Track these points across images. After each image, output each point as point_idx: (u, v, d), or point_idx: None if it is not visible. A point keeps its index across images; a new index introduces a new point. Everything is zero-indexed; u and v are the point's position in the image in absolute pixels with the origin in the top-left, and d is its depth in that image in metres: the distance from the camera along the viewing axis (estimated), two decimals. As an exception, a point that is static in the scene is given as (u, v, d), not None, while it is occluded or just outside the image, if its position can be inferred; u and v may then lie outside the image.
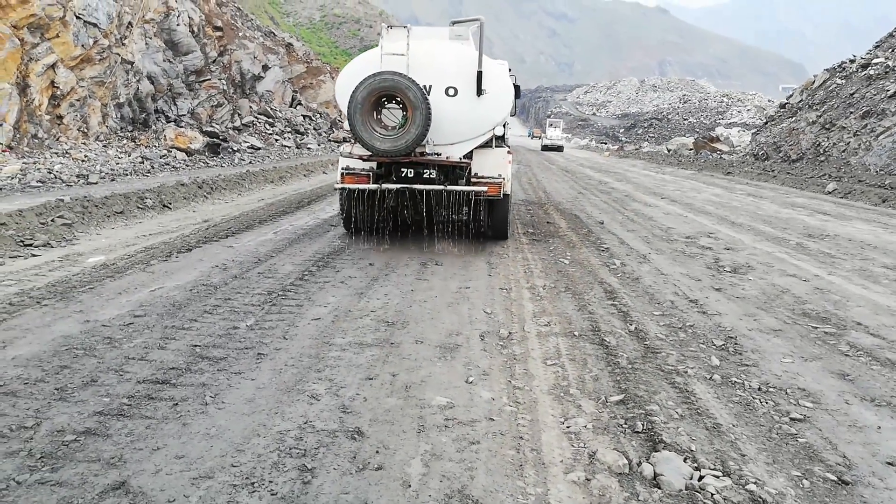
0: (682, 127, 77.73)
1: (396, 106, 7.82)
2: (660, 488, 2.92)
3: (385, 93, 7.54)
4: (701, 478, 2.99)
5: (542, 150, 51.55)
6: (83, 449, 3.03)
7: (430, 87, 7.90)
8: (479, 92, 7.88)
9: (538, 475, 2.98)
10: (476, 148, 8.20)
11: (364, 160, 7.95)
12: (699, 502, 2.80)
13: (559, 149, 52.35)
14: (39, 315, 5.08)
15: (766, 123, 32.83)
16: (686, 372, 4.34)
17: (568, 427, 3.49)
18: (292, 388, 3.82)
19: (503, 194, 8.21)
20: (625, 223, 11.52)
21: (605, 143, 68.21)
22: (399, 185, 7.84)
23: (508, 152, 8.63)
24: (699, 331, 5.28)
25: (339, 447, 3.14)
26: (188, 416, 3.39)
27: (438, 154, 7.93)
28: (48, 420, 3.31)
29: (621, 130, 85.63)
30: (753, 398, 3.95)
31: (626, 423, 3.55)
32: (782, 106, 31.59)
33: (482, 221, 8.57)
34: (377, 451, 3.12)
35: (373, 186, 7.89)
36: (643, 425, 3.51)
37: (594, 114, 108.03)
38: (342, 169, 8.14)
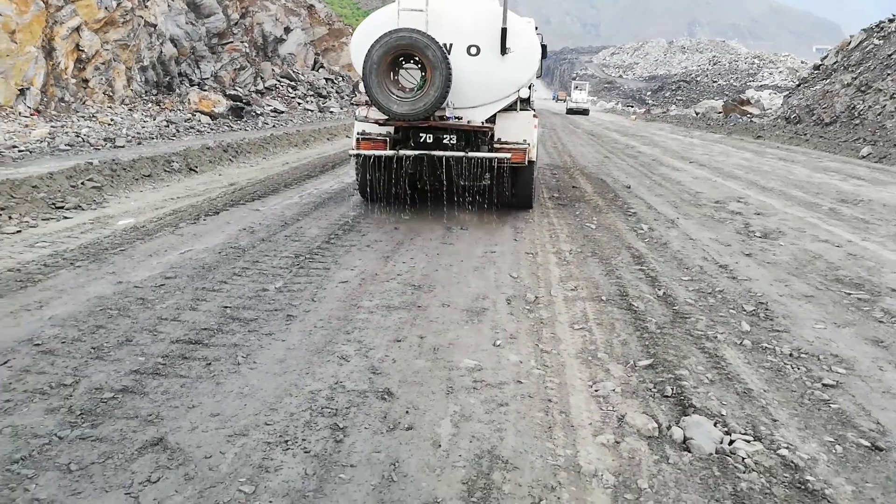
0: (711, 89, 75.98)
1: (415, 66, 7.34)
2: (690, 452, 2.91)
3: (402, 52, 7.04)
4: (731, 442, 2.98)
5: (567, 113, 50.58)
6: (121, 406, 3.11)
7: (451, 45, 7.40)
8: (504, 51, 7.35)
9: (567, 437, 2.99)
10: (499, 111, 7.72)
11: (380, 125, 7.48)
12: (730, 466, 2.79)
13: (585, 112, 51.14)
14: (73, 276, 5.18)
15: (798, 86, 31.93)
16: (716, 337, 4.30)
17: (596, 390, 3.49)
18: (322, 349, 3.87)
19: (528, 161, 7.74)
20: (652, 187, 11.35)
21: (632, 107, 67.00)
22: (417, 152, 7.38)
23: (534, 116, 8.09)
24: (729, 296, 5.22)
25: (369, 407, 3.18)
26: (221, 376, 3.46)
27: (459, 118, 7.44)
28: (86, 378, 3.39)
29: (648, 93, 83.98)
30: (785, 364, 3.91)
31: (655, 388, 3.54)
32: (816, 68, 30.66)
33: (505, 189, 8.14)
34: (407, 412, 3.15)
35: (389, 153, 7.41)
36: (672, 390, 3.50)
37: (620, 76, 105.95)
38: (357, 134, 7.71)
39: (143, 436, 2.85)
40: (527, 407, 3.27)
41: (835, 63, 27.58)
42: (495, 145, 7.65)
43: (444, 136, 7.51)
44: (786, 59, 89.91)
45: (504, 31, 7.31)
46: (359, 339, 4.06)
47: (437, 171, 7.78)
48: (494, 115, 7.71)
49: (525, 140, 7.71)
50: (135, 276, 5.21)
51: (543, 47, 8.44)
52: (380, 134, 7.65)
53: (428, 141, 7.52)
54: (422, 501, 2.47)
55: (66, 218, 7.31)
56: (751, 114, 35.71)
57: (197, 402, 3.16)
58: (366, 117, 7.63)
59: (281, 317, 4.39)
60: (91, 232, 6.69)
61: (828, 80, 26.55)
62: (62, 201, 7.88)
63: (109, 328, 4.09)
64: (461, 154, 7.37)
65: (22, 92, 18.00)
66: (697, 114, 42.54)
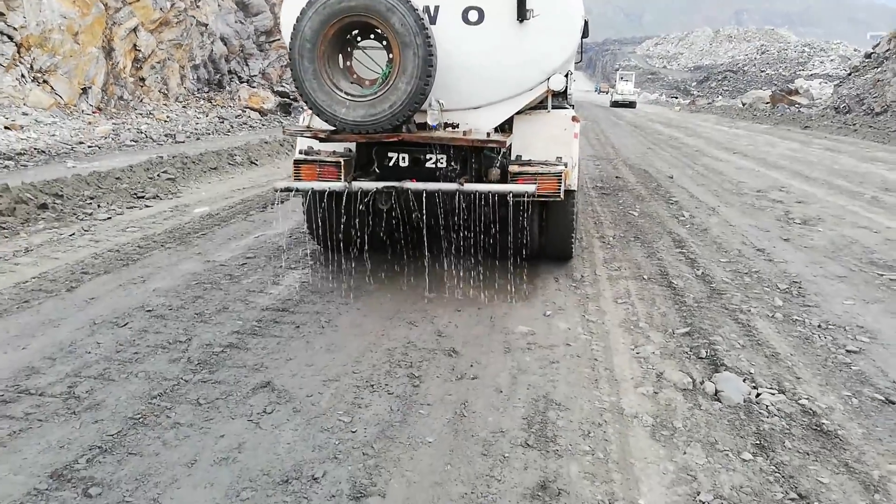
0: (759, 79, 74.39)
1: (378, 45, 4.63)
2: (720, 401, 3.34)
3: (354, 21, 4.38)
4: (758, 395, 3.39)
5: (612, 106, 49.22)
6: (230, 358, 3.68)
7: (436, 8, 4.73)
8: (523, 15, 4.65)
9: (611, 388, 3.45)
10: (518, 113, 5.08)
11: (321, 140, 4.78)
12: (755, 412, 3.21)
13: (631, 105, 47.88)
14: (166, 256, 5.83)
15: (849, 75, 31.30)
16: (749, 310, 4.67)
17: (637, 353, 3.93)
18: (393, 316, 4.39)
19: (565, 191, 4.87)
20: (695, 178, 11.59)
21: (676, 98, 66.18)
22: (381, 184, 4.69)
23: (574, 119, 5.19)
24: (764, 276, 5.56)
25: (439, 361, 3.69)
26: (310, 336, 4.01)
27: (454, 125, 4.84)
28: (196, 337, 3.98)
29: (693, 84, 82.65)
30: (812, 333, 4.27)
31: (690, 351, 3.96)
32: (868, 56, 30.03)
33: (525, 233, 5.19)
34: (471, 365, 3.65)
35: (337, 185, 4.74)
36: (707, 353, 3.91)
37: (664, 67, 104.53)
38: (299, 152, 5.08)
39: (253, 380, 3.41)
40: (575, 364, 3.73)
41: (887, 51, 27.02)
42: (512, 168, 4.84)
43: (427, 157, 4.92)
44: (838, 47, 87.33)
45: None
46: (424, 308, 4.57)
47: (414, 213, 5.10)
48: (511, 120, 5.09)
49: (560, 158, 4.99)
50: (219, 257, 5.82)
51: (584, 22, 5.48)
52: (333, 153, 5.00)
53: (401, 164, 4.96)
54: (490, 431, 2.97)
55: (147, 206, 8.02)
56: (799, 104, 35.15)
57: (293, 356, 3.71)
58: (307, 128, 5.13)
59: (353, 290, 4.93)
60: (172, 218, 7.36)
61: (879, 69, 26.05)
62: (142, 191, 8.61)
63: (206, 298, 4.69)
64: (453, 187, 4.62)
65: (84, 91, 19.09)
66: (744, 104, 41.98)
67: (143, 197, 8.42)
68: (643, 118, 33.40)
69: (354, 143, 4.94)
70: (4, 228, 6.52)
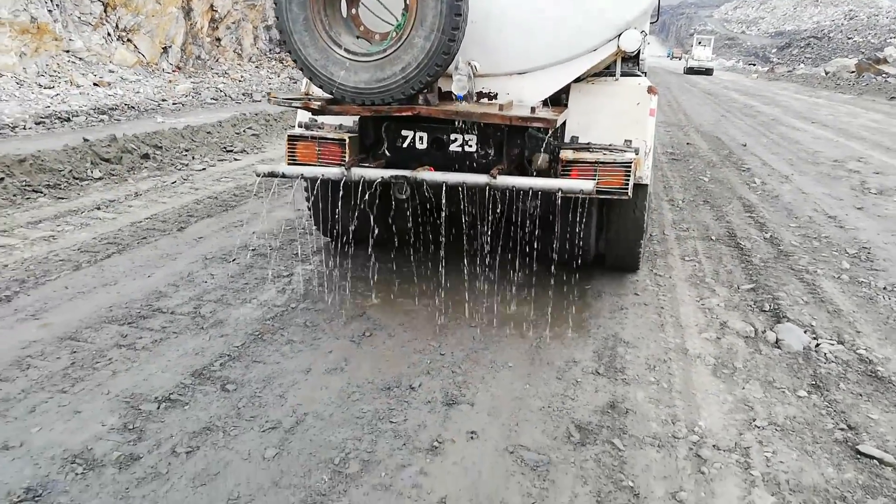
0: (846, 47, 70.39)
1: None
2: (780, 348, 3.57)
3: None
4: (818, 345, 3.60)
5: (686, 73, 46.94)
6: (329, 292, 4.12)
7: None
8: None
9: (676, 332, 3.72)
10: (577, 81, 3.89)
11: (313, 112, 3.80)
12: (813, 358, 3.43)
13: (708, 72, 44.97)
14: (259, 204, 6.33)
15: (945, 42, 29.39)
16: (815, 271, 4.82)
17: (703, 304, 4.17)
18: (470, 261, 4.74)
19: (633, 185, 3.74)
20: (769, 146, 11.43)
21: (754, 65, 63.48)
22: (389, 172, 3.63)
23: (650, 90, 3.98)
24: (834, 241, 5.65)
25: (514, 302, 4.04)
26: (398, 273, 4.42)
27: (490, 96, 3.85)
28: (296, 273, 4.45)
29: (773, 50, 78.96)
30: (877, 294, 4.40)
31: (754, 304, 4.17)
32: (968, 21, 28.11)
33: (578, 238, 3.97)
34: (543, 308, 3.97)
35: (333, 172, 3.69)
36: (770, 306, 4.12)
37: (743, 32, 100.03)
38: (298, 125, 4.28)
39: (351, 311, 3.84)
40: (643, 311, 4.01)
41: None
42: (565, 154, 3.75)
43: (452, 137, 3.88)
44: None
45: None
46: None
47: (431, 207, 4.22)
48: (566, 90, 3.94)
49: (629, 142, 3.86)
50: (307, 207, 6.28)
51: None
52: (339, 127, 4.10)
53: (417, 146, 3.93)
54: (564, 360, 3.31)
55: (236, 160, 8.59)
56: (887, 73, 33.31)
57: (383, 291, 4.13)
58: (305, 95, 4.22)
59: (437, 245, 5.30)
60: (261, 171, 7.88)
61: (979, 36, 24.40)
62: (231, 146, 9.20)
63: (301, 241, 5.16)
64: (483, 179, 3.51)
65: (165, 50, 19.93)
66: (826, 73, 39.99)
67: (231, 150, 9.00)
68: (717, 85, 32.42)
69: (358, 116, 3.84)
70: (114, 175, 7.17)
